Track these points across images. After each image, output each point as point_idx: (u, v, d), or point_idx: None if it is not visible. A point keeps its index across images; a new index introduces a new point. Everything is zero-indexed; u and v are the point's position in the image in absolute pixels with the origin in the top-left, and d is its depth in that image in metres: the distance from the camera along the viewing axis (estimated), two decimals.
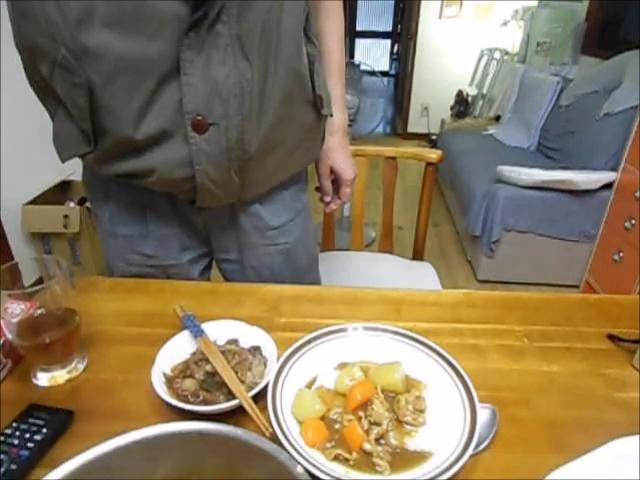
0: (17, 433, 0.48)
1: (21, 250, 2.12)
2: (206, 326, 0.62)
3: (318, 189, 0.97)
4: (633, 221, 1.87)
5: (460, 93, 4.52)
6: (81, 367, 0.60)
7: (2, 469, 0.44)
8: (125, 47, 0.56)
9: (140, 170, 0.67)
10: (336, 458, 0.47)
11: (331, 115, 0.83)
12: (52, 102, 0.66)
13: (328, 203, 0.97)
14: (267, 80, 0.64)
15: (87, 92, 0.59)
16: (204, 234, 0.84)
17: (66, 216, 2.07)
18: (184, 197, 0.73)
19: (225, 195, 0.72)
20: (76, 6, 0.54)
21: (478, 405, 0.50)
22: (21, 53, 0.63)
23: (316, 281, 0.99)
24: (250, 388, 0.53)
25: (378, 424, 0.49)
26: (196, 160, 0.64)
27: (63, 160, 0.71)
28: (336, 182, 0.95)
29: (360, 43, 7.79)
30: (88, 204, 2.15)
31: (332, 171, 0.93)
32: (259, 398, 0.52)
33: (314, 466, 0.43)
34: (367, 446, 0.47)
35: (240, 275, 0.88)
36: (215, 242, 0.85)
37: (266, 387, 0.52)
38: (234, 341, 0.61)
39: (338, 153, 0.92)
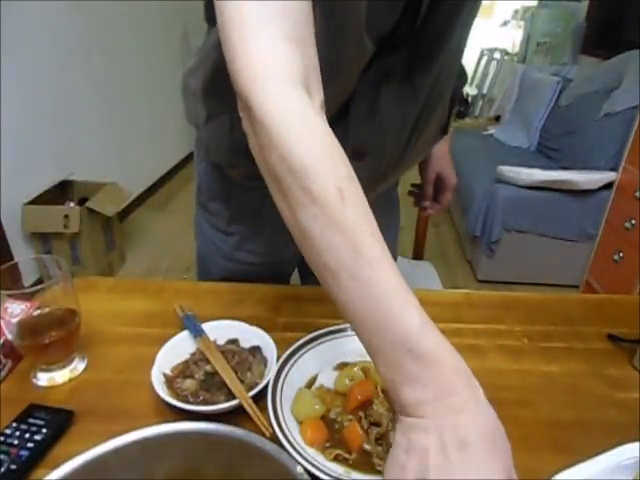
0: (17, 433, 0.48)
1: (21, 250, 2.12)
2: (206, 326, 0.62)
3: (412, 194, 0.98)
4: (633, 221, 1.87)
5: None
6: (81, 367, 0.60)
7: (2, 469, 0.44)
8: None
9: None
10: (336, 458, 0.47)
11: None
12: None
13: (426, 208, 0.99)
14: (423, 116, 0.66)
15: None
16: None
17: (66, 216, 2.07)
18: None
19: None
20: None
21: None
22: None
23: None
24: (250, 388, 0.53)
25: (378, 424, 0.49)
26: None
27: (207, 160, 0.75)
28: (436, 187, 0.96)
29: None
30: (88, 204, 2.15)
31: (437, 177, 0.95)
32: (259, 398, 0.51)
33: (314, 466, 0.43)
34: (367, 446, 0.47)
35: None
36: None
37: (266, 387, 0.52)
38: (234, 341, 0.61)
39: (446, 160, 0.94)
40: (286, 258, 0.86)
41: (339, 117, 0.61)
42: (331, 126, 0.56)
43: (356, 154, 0.63)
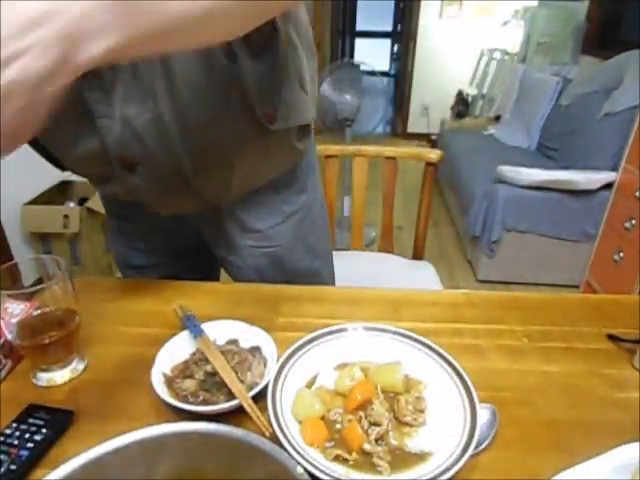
0: (17, 433, 0.48)
1: (21, 250, 2.12)
2: (206, 326, 0.62)
3: None
4: (633, 221, 1.87)
5: (460, 93, 4.52)
6: (81, 367, 0.60)
7: (2, 469, 0.44)
8: None
9: (109, 192, 0.73)
10: (336, 458, 0.47)
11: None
12: None
13: None
14: (186, 113, 0.59)
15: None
16: (196, 237, 0.85)
17: (66, 216, 2.07)
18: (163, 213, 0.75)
19: (189, 206, 0.74)
20: None
21: (478, 405, 0.50)
22: None
23: (327, 284, 0.94)
24: (250, 388, 0.53)
25: (378, 424, 0.49)
26: (135, 193, 0.67)
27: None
28: None
29: (360, 43, 7.78)
30: (88, 204, 2.15)
31: None
32: (259, 398, 0.51)
33: (314, 466, 0.43)
34: (367, 446, 0.47)
35: (232, 274, 0.89)
36: (207, 241, 0.86)
37: (266, 387, 0.52)
38: (234, 341, 0.61)
39: None
40: (183, 265, 0.88)
41: (89, 127, 0.57)
42: (87, 139, 0.60)
43: (124, 165, 0.62)
